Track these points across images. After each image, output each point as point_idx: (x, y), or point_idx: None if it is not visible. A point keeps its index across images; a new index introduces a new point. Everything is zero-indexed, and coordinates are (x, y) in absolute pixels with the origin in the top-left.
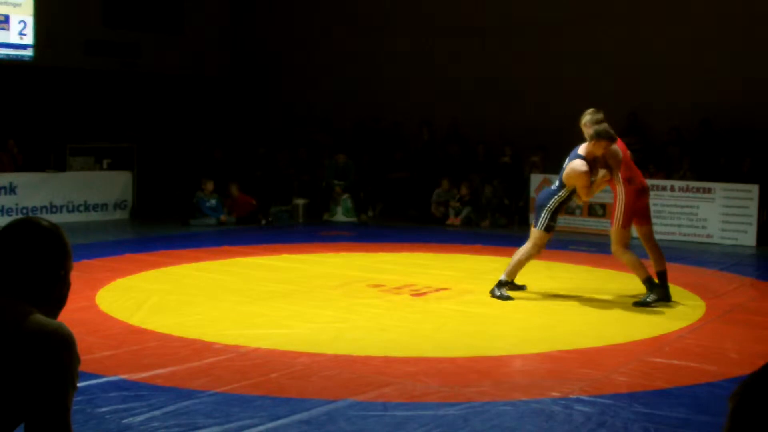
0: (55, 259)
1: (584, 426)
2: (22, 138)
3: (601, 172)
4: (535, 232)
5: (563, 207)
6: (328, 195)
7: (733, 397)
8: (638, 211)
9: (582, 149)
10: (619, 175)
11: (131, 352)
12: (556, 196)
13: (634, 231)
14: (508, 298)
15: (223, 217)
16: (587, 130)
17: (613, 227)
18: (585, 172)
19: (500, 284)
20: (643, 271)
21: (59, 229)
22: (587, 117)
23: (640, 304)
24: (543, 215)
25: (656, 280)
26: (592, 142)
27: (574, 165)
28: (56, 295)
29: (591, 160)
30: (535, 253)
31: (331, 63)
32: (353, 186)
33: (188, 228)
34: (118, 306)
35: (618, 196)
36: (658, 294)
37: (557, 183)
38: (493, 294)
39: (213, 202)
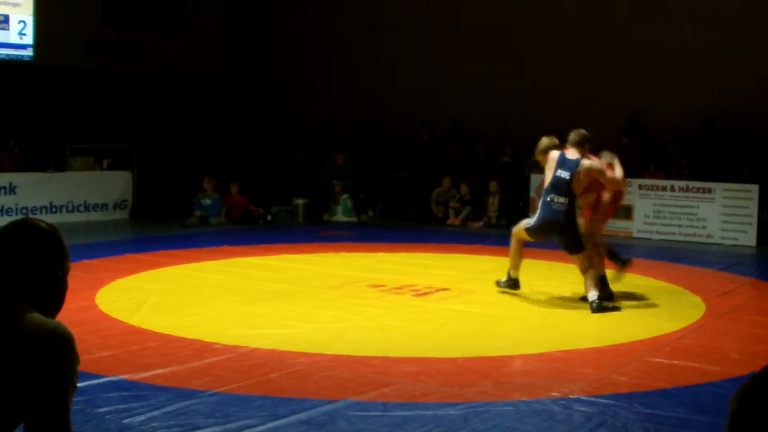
0: (54, 260)
1: (584, 426)
2: (22, 138)
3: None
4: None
5: None
6: (328, 195)
7: (734, 401)
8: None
9: (575, 155)
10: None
11: (131, 352)
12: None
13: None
14: (616, 308)
15: (216, 219)
16: (544, 157)
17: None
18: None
19: (600, 300)
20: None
21: (57, 230)
22: (547, 142)
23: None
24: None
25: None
26: (584, 147)
27: (593, 163)
28: (54, 296)
29: None
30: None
31: (332, 63)
32: (353, 186)
33: (187, 228)
34: (118, 306)
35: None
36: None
37: (565, 200)
38: (598, 309)
39: (208, 201)
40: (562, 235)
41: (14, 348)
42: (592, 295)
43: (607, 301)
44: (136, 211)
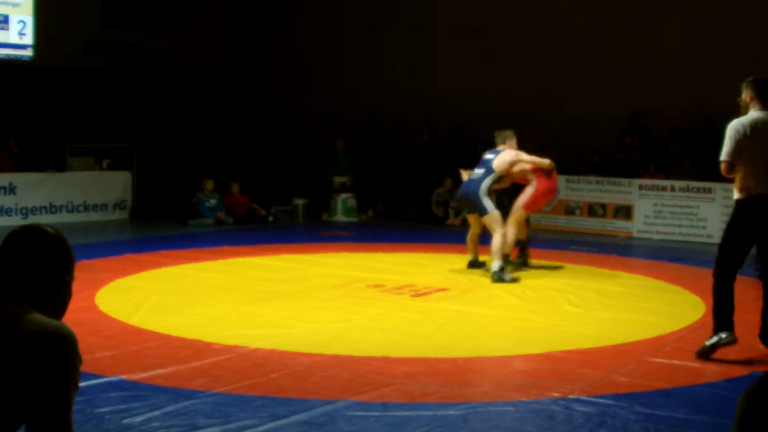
0: (61, 265)
1: (584, 426)
2: (22, 138)
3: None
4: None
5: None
6: (329, 194)
7: (740, 402)
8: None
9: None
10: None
11: (131, 352)
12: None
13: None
14: (515, 280)
15: (220, 215)
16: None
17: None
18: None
19: (501, 271)
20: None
21: (64, 236)
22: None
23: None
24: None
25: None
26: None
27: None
28: (59, 300)
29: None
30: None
31: (332, 63)
32: (357, 183)
33: (187, 228)
34: (118, 306)
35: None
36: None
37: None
38: (497, 280)
39: (212, 201)
40: (469, 200)
41: (17, 348)
42: (495, 264)
43: (506, 273)
44: (135, 211)
